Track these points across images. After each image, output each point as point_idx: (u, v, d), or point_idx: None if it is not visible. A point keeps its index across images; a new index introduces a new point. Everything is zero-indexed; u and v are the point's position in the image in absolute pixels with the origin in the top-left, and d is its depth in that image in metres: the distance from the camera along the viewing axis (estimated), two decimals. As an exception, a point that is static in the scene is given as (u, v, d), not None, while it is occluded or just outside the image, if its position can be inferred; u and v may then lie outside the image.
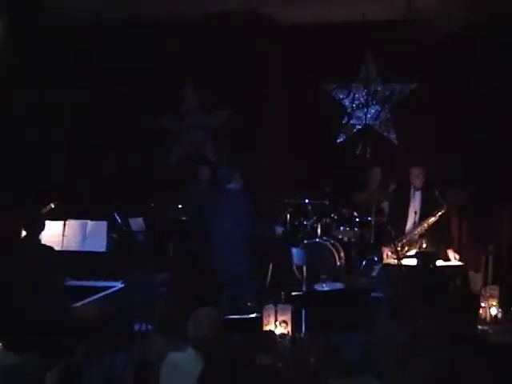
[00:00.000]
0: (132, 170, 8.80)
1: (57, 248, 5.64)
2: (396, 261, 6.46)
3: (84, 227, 6.18)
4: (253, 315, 5.43)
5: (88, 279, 5.86)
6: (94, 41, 8.62)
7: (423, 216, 6.78)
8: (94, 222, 6.22)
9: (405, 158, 7.79)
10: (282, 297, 5.89)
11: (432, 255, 6.46)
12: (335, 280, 7.39)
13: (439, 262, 6.45)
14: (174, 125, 9.31)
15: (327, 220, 8.17)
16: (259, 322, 5.21)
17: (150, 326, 5.27)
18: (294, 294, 6.07)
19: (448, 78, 8.07)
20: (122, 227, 7.01)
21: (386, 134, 8.76)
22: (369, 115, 8.75)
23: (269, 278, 7.39)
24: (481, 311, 5.68)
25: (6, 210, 6.77)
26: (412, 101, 8.50)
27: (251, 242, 6.40)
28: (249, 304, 6.00)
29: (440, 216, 6.66)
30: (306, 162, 8.51)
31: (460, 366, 3.71)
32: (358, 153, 8.27)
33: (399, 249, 6.57)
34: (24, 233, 5.48)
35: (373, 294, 6.21)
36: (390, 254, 6.80)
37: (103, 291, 5.72)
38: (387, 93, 8.69)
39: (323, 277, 7.41)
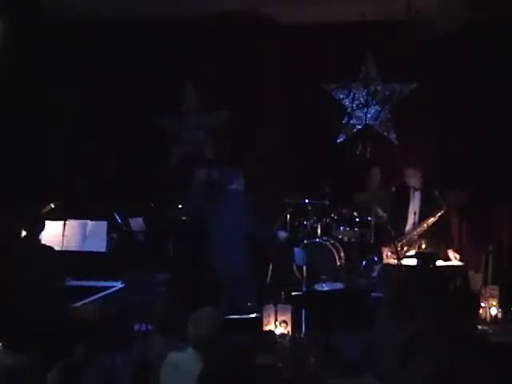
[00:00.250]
0: (132, 170, 8.80)
1: (57, 248, 5.65)
2: (396, 261, 6.47)
3: (84, 227, 6.19)
4: (253, 315, 5.43)
5: (88, 279, 5.87)
6: (94, 41, 8.62)
7: (423, 216, 6.78)
8: (93, 222, 6.22)
9: (405, 158, 7.78)
10: (282, 297, 5.89)
11: (432, 255, 6.47)
12: (335, 280, 7.40)
13: (439, 262, 6.46)
14: (174, 125, 9.30)
15: (327, 220, 8.17)
16: (259, 322, 5.21)
17: (150, 326, 5.27)
18: (294, 294, 6.07)
19: (448, 78, 8.07)
20: (121, 227, 7.00)
21: (385, 133, 8.76)
22: (369, 115, 8.75)
23: (269, 277, 7.39)
24: (481, 311, 5.67)
25: (6, 210, 6.77)
26: (412, 101, 8.50)
27: (251, 243, 6.38)
28: (249, 304, 5.99)
29: (440, 216, 6.66)
30: (305, 162, 8.52)
31: (460, 366, 3.71)
32: (357, 153, 8.26)
33: (399, 249, 6.57)
34: (24, 233, 5.48)
35: (373, 294, 6.21)
36: (389, 254, 6.80)
37: (103, 291, 5.73)
38: (387, 93, 8.69)
39: (323, 277, 7.42)
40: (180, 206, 8.02)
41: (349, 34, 8.33)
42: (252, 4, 8.22)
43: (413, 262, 6.49)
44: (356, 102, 8.85)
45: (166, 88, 8.91)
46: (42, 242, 5.46)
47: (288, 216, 8.13)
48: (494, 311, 5.61)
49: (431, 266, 6.28)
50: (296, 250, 7.49)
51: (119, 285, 5.85)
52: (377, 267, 7.28)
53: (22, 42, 7.86)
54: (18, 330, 4.67)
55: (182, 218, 7.86)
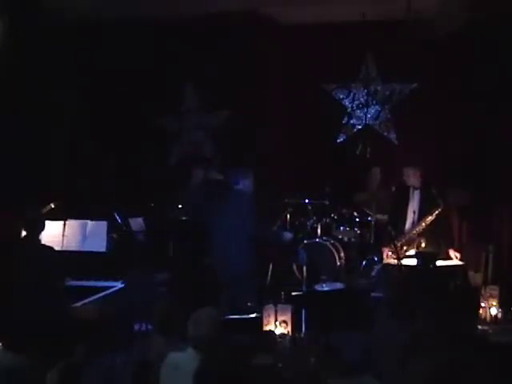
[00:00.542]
0: (132, 170, 8.80)
1: (57, 248, 5.65)
2: (396, 261, 6.47)
3: (84, 227, 6.18)
4: (253, 315, 5.42)
5: (88, 279, 5.87)
6: (94, 41, 8.62)
7: (422, 215, 6.79)
8: (93, 222, 6.22)
9: (405, 158, 7.78)
10: (282, 297, 5.88)
11: (432, 255, 6.46)
12: (335, 280, 7.39)
13: (439, 262, 6.45)
14: (174, 125, 9.30)
15: (327, 220, 8.17)
16: (259, 322, 5.20)
17: (150, 326, 5.27)
18: (293, 294, 6.06)
19: (448, 78, 8.07)
20: (121, 227, 7.00)
21: (385, 133, 8.76)
22: (369, 115, 8.75)
23: (269, 277, 7.39)
24: (481, 311, 5.67)
25: (6, 210, 6.77)
26: (412, 101, 8.50)
27: (252, 243, 6.36)
28: (249, 304, 5.99)
29: (438, 215, 6.66)
30: (305, 162, 8.52)
31: (460, 366, 3.71)
32: (357, 153, 8.27)
33: (399, 249, 6.58)
34: (24, 233, 5.48)
35: (373, 294, 6.20)
36: (389, 254, 6.80)
37: (103, 291, 5.73)
38: (387, 93, 8.69)
39: (323, 277, 7.41)
40: (180, 206, 8.02)
41: (349, 34, 8.33)
42: (252, 4, 8.22)
43: (413, 261, 6.49)
44: (356, 102, 8.85)
45: (165, 88, 8.91)
46: (42, 242, 5.46)
47: (288, 216, 8.12)
48: (494, 311, 5.61)
49: (431, 265, 6.28)
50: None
51: (119, 285, 5.85)
52: (377, 267, 7.28)
53: (22, 41, 7.86)
54: (18, 329, 4.67)
55: (182, 218, 7.86)
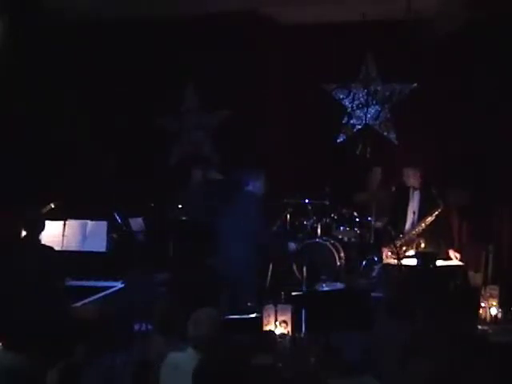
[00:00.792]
0: (132, 170, 8.80)
1: (57, 248, 5.64)
2: (396, 261, 6.46)
3: (84, 227, 6.18)
4: (253, 315, 5.42)
5: (88, 279, 5.86)
6: (94, 41, 8.62)
7: (421, 216, 6.79)
8: (93, 222, 6.21)
9: (405, 158, 7.78)
10: (282, 297, 5.88)
11: (432, 255, 6.46)
12: (335, 280, 7.39)
13: (439, 262, 6.45)
14: (174, 125, 9.31)
15: (327, 220, 8.17)
16: (259, 322, 5.20)
17: (150, 326, 5.27)
18: (293, 294, 6.05)
19: (448, 78, 8.07)
20: (122, 227, 7.00)
21: (385, 134, 8.77)
22: (369, 115, 8.75)
23: (269, 277, 7.39)
24: (481, 311, 5.67)
25: (6, 210, 6.77)
26: (412, 101, 8.50)
27: (255, 244, 6.32)
28: (249, 304, 5.99)
29: (438, 215, 6.66)
30: (305, 162, 8.52)
31: (460, 366, 3.71)
32: (358, 153, 8.27)
33: (399, 249, 6.57)
34: (24, 233, 5.48)
35: (373, 294, 6.20)
36: (389, 254, 6.80)
37: (103, 291, 5.72)
38: (387, 93, 8.70)
39: (323, 277, 7.41)
40: (180, 206, 8.03)
41: (349, 34, 8.33)
42: (252, 4, 8.22)
43: (413, 262, 6.48)
44: (356, 102, 8.85)
45: (166, 88, 8.91)
46: (42, 242, 5.46)
47: (288, 216, 8.13)
48: (494, 311, 5.61)
49: (431, 265, 6.28)
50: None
51: (119, 285, 5.84)
52: (377, 267, 7.28)
53: (22, 41, 7.86)
54: (18, 329, 4.68)
55: (182, 218, 7.87)
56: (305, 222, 8.23)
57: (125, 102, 8.70)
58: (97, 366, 4.94)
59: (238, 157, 8.48)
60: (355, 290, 6.89)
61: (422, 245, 6.72)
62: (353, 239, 8.04)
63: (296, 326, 5.25)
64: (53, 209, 6.98)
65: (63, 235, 6.10)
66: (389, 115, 8.75)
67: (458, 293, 6.33)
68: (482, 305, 5.66)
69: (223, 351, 3.26)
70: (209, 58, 8.68)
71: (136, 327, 5.68)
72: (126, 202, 7.73)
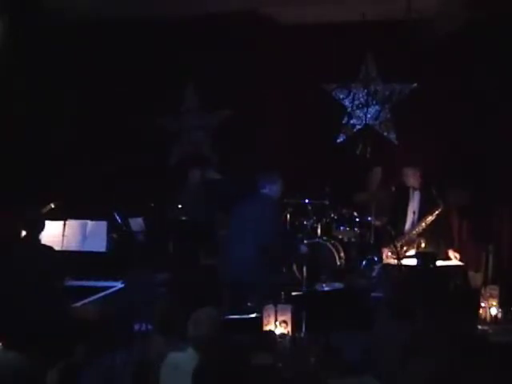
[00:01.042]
0: (132, 170, 8.80)
1: (57, 248, 5.63)
2: (396, 261, 6.46)
3: (84, 227, 6.17)
4: (253, 315, 5.42)
5: (88, 279, 5.85)
6: (94, 41, 8.62)
7: (421, 216, 6.78)
8: (93, 222, 6.21)
9: (405, 158, 7.79)
10: (282, 297, 5.88)
11: (432, 255, 6.46)
12: (335, 280, 7.39)
13: (439, 262, 6.45)
14: (174, 125, 9.31)
15: (327, 220, 8.17)
16: (259, 322, 5.20)
17: (150, 326, 5.27)
18: (294, 294, 6.05)
19: (448, 78, 8.06)
20: (122, 227, 7.00)
21: (385, 134, 8.77)
22: (369, 115, 8.75)
23: (269, 278, 7.37)
24: (481, 311, 5.67)
25: (6, 210, 6.77)
26: (412, 101, 8.50)
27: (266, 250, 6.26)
28: (249, 304, 5.98)
29: (438, 215, 6.66)
30: (306, 162, 8.52)
31: (460, 366, 3.71)
32: (357, 153, 8.27)
33: (399, 249, 6.57)
34: (24, 233, 5.48)
35: (373, 294, 6.21)
36: (389, 254, 6.80)
37: (103, 291, 5.71)
38: (387, 93, 8.70)
39: (323, 277, 7.41)
40: (180, 206, 8.03)
41: (349, 34, 8.33)
42: (252, 4, 8.23)
43: (413, 261, 6.48)
44: (356, 102, 8.85)
45: (166, 88, 8.91)
46: (42, 242, 5.46)
47: (288, 216, 8.13)
48: (493, 311, 5.60)
49: (431, 265, 6.28)
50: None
51: (119, 285, 5.83)
52: (377, 267, 7.28)
53: (22, 41, 7.86)
54: (18, 329, 4.67)
55: (182, 218, 7.87)
56: (305, 222, 8.23)
57: (125, 102, 8.70)
58: (97, 366, 4.94)
59: (238, 157, 8.49)
60: (355, 290, 6.89)
61: (422, 245, 6.72)
62: (353, 239, 8.04)
63: (296, 326, 5.25)
64: (53, 209, 6.97)
65: (63, 235, 6.09)
66: (389, 115, 8.75)
67: (458, 293, 6.33)
68: (482, 305, 5.65)
69: (223, 351, 3.27)
70: (209, 57, 8.68)
71: (136, 327, 5.67)
72: (126, 202, 7.73)
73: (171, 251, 7.51)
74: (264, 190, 6.36)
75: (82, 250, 6.08)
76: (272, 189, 6.36)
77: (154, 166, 8.97)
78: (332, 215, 8.18)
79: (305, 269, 7.21)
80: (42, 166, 8.40)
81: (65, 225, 6.14)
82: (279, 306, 5.24)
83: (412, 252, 6.73)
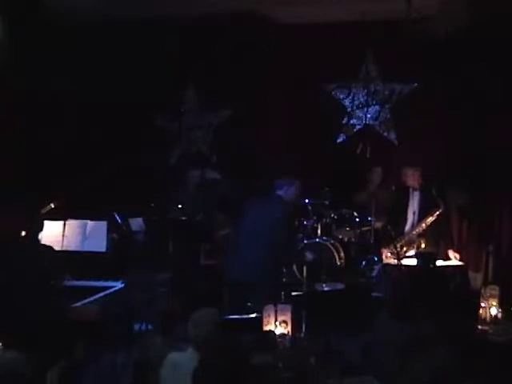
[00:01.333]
0: (132, 170, 8.79)
1: (57, 248, 5.64)
2: (396, 261, 6.47)
3: (84, 227, 6.17)
4: (253, 315, 5.42)
5: (88, 279, 5.85)
6: (94, 41, 8.62)
7: (422, 216, 6.78)
8: (93, 222, 6.21)
9: (405, 158, 7.78)
10: (282, 297, 5.88)
11: (432, 255, 6.47)
12: (335, 280, 7.39)
13: (439, 262, 6.45)
14: (174, 125, 9.31)
15: (327, 220, 8.17)
16: (259, 322, 5.20)
17: (150, 326, 5.27)
18: (294, 294, 6.05)
19: (448, 78, 8.06)
20: (122, 227, 7.00)
21: (385, 134, 8.76)
22: (369, 115, 8.75)
23: (270, 277, 7.36)
24: (481, 311, 5.67)
25: (6, 210, 6.76)
26: (412, 101, 8.50)
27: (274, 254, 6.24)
28: (249, 304, 5.98)
29: (438, 215, 6.66)
30: (305, 162, 8.51)
31: (460, 366, 3.70)
32: (358, 153, 8.27)
33: (399, 249, 6.58)
34: (23, 233, 5.48)
35: (373, 294, 6.20)
36: (389, 254, 6.80)
37: (103, 291, 5.71)
38: (387, 93, 8.69)
39: (323, 277, 7.41)
40: (180, 206, 8.03)
41: (349, 34, 8.32)
42: (251, 4, 8.22)
43: (413, 262, 6.48)
44: (356, 102, 8.85)
45: (166, 88, 8.91)
46: (42, 242, 5.46)
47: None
48: (493, 311, 5.61)
49: (431, 265, 6.28)
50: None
51: (119, 285, 5.83)
52: (377, 267, 7.28)
53: (22, 41, 7.86)
54: (18, 329, 4.67)
55: (182, 218, 7.87)
56: (305, 222, 8.23)
57: (125, 102, 8.70)
58: (97, 366, 4.94)
59: (238, 157, 8.48)
60: (355, 290, 6.89)
61: (422, 245, 6.72)
62: (353, 239, 8.04)
63: (296, 326, 5.25)
64: (53, 209, 6.97)
65: (63, 235, 6.09)
66: (389, 115, 8.74)
67: (458, 293, 6.33)
68: (482, 305, 5.65)
69: (223, 351, 3.27)
70: (209, 57, 8.68)
71: (136, 327, 5.67)
72: (126, 202, 7.73)
73: (171, 251, 7.50)
74: (280, 191, 6.30)
75: (81, 250, 6.08)
76: (288, 191, 6.30)
77: (154, 166, 8.97)
78: (332, 215, 8.18)
79: (305, 269, 7.21)
80: (42, 166, 8.39)
81: (65, 225, 6.14)
82: (279, 306, 5.23)
83: (412, 252, 6.73)
